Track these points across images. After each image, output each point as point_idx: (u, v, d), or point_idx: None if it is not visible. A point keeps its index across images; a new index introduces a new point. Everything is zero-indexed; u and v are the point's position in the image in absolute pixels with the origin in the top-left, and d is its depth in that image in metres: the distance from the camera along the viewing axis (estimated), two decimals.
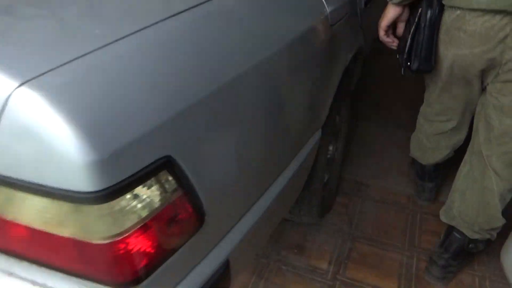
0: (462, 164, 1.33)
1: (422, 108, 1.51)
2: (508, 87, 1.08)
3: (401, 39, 1.26)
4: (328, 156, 1.64)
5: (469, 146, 1.30)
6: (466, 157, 1.31)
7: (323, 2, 1.10)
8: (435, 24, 1.10)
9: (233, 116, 0.73)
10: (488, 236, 1.28)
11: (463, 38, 1.07)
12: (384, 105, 2.66)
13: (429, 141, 1.54)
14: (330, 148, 1.66)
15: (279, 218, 1.23)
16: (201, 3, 0.74)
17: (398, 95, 2.78)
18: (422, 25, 1.11)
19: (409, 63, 1.18)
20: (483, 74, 1.14)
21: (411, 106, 2.38)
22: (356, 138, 2.30)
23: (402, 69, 1.22)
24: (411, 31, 1.15)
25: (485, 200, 1.22)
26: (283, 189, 1.03)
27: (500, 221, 1.23)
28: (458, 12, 1.05)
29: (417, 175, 1.80)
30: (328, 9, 1.11)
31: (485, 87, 1.18)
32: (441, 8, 1.08)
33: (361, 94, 2.75)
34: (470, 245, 1.32)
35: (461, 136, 1.47)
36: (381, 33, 1.31)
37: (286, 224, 1.66)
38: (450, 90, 1.28)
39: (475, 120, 1.26)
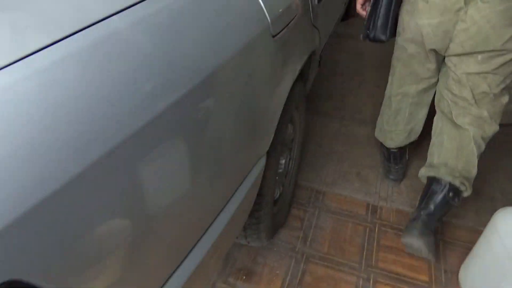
0: (434, 124, 1.47)
1: (386, 90, 1.62)
2: (463, 61, 1.19)
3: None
4: (280, 171, 1.48)
5: (438, 109, 1.44)
6: (436, 117, 1.45)
7: (263, 10, 0.90)
8: None
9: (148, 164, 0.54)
10: (465, 187, 1.36)
11: (425, 7, 1.15)
12: (346, 99, 2.52)
13: (388, 125, 1.66)
14: (282, 161, 1.50)
15: (221, 256, 1.07)
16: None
17: (362, 87, 2.64)
18: None
19: (367, 32, 1.32)
20: (439, 47, 1.23)
21: (376, 100, 2.27)
22: (314, 137, 2.16)
23: (361, 36, 1.35)
24: (372, 1, 1.26)
25: (462, 145, 1.33)
26: (221, 232, 0.86)
27: (475, 169, 1.35)
28: None
29: (384, 156, 1.87)
30: (269, 18, 0.91)
31: (443, 61, 1.32)
32: None
33: (319, 87, 2.59)
34: (451, 194, 1.35)
35: (418, 117, 1.57)
36: (358, 6, 1.38)
37: (235, 245, 1.51)
38: (411, 65, 1.37)
39: (439, 86, 1.39)
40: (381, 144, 1.84)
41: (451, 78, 1.27)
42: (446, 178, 1.35)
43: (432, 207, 1.36)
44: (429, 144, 1.53)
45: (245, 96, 0.85)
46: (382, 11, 1.24)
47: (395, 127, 1.64)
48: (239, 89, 0.82)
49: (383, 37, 1.30)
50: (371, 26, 1.30)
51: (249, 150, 0.94)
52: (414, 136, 1.66)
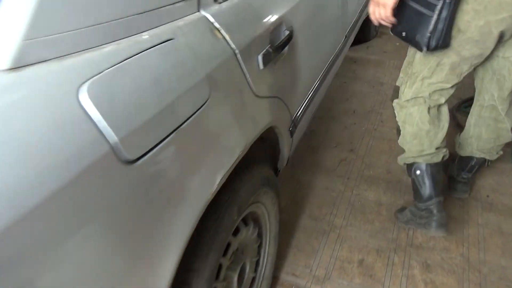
0: (469, 117, 1.57)
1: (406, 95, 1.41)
2: None
3: (407, 17, 1.19)
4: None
5: (476, 102, 1.51)
6: (472, 110, 1.54)
7: (98, 132, 0.52)
8: None
9: None
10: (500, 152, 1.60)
11: (505, 2, 1.07)
12: (356, 147, 2.06)
13: (425, 123, 1.40)
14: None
15: None
16: None
17: (377, 131, 2.17)
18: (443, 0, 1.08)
19: (428, 41, 1.15)
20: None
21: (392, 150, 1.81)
22: (307, 205, 1.73)
23: (425, 48, 1.17)
24: (439, 9, 1.10)
25: (501, 134, 1.50)
26: None
27: (510, 137, 1.50)
28: None
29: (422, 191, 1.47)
30: (116, 137, 0.54)
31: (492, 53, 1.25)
32: None
33: (319, 132, 2.15)
34: (488, 163, 1.64)
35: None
36: (389, 12, 1.18)
37: None
38: (457, 67, 1.27)
39: (480, 83, 1.44)
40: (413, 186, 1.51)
41: (507, 69, 1.29)
42: (487, 157, 1.59)
43: (473, 172, 1.66)
44: None
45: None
46: (449, 15, 1.10)
47: (434, 119, 1.44)
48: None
49: (448, 44, 1.17)
50: (433, 35, 1.14)
51: None
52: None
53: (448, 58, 1.23)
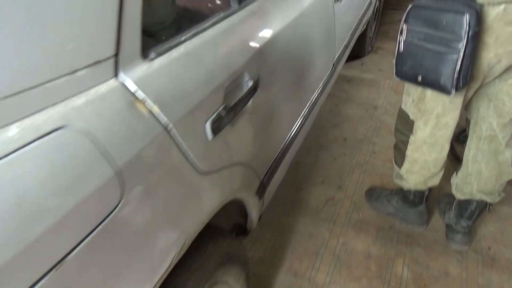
0: (466, 151, 1.41)
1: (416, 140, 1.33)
2: None
3: (421, 59, 1.05)
4: None
5: (473, 134, 1.35)
6: (469, 144, 1.39)
7: None
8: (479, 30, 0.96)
9: None
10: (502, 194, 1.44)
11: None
12: (344, 183, 1.87)
13: (437, 167, 1.38)
14: None
15: None
16: None
17: (369, 164, 1.97)
18: (467, 35, 0.94)
19: (456, 81, 1.02)
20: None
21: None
22: (288, 255, 1.53)
23: (453, 90, 1.03)
24: (464, 45, 0.96)
25: (503, 170, 1.34)
26: None
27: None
28: (503, 6, 0.94)
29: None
30: None
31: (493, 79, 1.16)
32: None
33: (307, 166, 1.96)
34: (490, 207, 1.47)
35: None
36: None
37: None
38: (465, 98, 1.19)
39: (476, 113, 1.30)
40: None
41: (506, 93, 1.16)
42: (489, 199, 1.42)
43: (472, 219, 1.49)
44: None
45: None
46: (469, 48, 0.96)
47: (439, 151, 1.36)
48: None
49: (470, 79, 1.04)
50: (457, 74, 1.00)
51: None
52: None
53: (460, 92, 1.11)
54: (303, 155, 2.06)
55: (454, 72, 1.00)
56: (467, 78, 1.01)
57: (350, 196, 1.82)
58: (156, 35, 0.70)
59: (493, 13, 0.95)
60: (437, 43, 1.00)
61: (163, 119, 0.62)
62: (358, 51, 2.95)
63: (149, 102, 0.61)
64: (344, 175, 1.94)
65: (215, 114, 0.73)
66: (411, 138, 1.33)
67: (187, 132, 0.67)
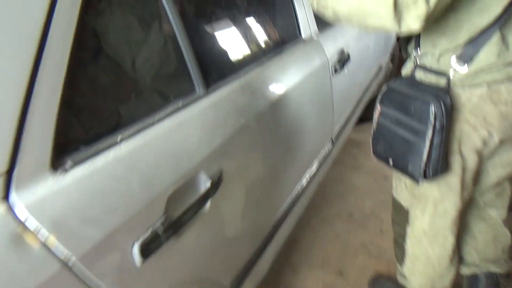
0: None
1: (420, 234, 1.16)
2: None
3: (392, 142, 1.00)
4: None
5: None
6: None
7: None
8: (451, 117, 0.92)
9: None
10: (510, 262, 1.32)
11: (505, 111, 0.92)
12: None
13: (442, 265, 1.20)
14: None
15: None
16: None
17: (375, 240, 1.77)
18: (433, 127, 0.89)
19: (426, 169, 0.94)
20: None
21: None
22: None
23: (421, 180, 0.95)
24: (430, 136, 0.89)
25: (497, 233, 1.25)
26: None
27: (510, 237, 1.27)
28: (485, 89, 0.90)
29: None
30: None
31: None
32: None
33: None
34: (501, 281, 1.33)
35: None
36: None
37: None
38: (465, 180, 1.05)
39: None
40: None
41: (499, 166, 1.08)
42: (496, 269, 1.31)
43: None
44: None
45: None
46: (437, 139, 0.90)
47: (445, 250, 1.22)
48: None
49: (446, 169, 0.99)
50: (424, 164, 0.93)
51: None
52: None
53: (455, 174, 1.02)
54: (301, 231, 1.88)
55: (421, 163, 0.94)
56: (437, 168, 0.95)
57: (351, 285, 1.60)
58: (79, 137, 0.59)
59: (476, 94, 0.91)
60: (407, 130, 0.95)
61: (62, 252, 0.49)
62: (369, 113, 2.83)
63: (43, 232, 0.48)
64: (346, 258, 1.73)
65: (149, 232, 0.60)
66: (409, 230, 1.17)
67: (104, 263, 0.53)
